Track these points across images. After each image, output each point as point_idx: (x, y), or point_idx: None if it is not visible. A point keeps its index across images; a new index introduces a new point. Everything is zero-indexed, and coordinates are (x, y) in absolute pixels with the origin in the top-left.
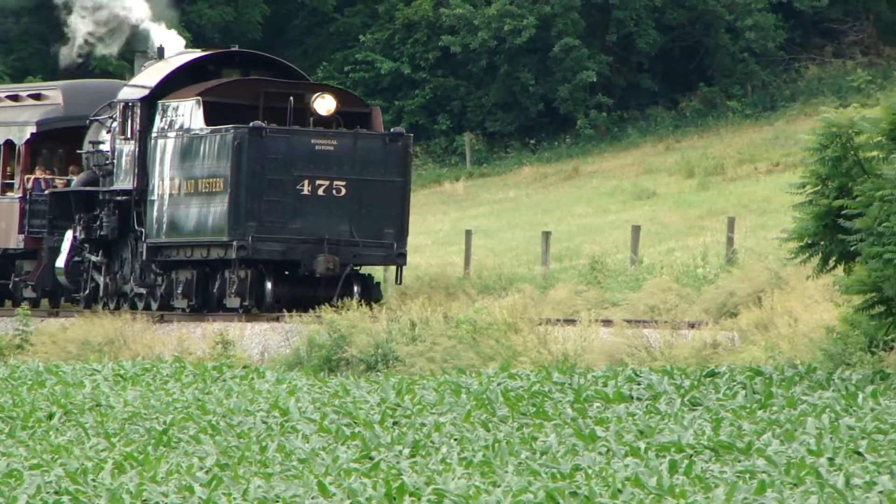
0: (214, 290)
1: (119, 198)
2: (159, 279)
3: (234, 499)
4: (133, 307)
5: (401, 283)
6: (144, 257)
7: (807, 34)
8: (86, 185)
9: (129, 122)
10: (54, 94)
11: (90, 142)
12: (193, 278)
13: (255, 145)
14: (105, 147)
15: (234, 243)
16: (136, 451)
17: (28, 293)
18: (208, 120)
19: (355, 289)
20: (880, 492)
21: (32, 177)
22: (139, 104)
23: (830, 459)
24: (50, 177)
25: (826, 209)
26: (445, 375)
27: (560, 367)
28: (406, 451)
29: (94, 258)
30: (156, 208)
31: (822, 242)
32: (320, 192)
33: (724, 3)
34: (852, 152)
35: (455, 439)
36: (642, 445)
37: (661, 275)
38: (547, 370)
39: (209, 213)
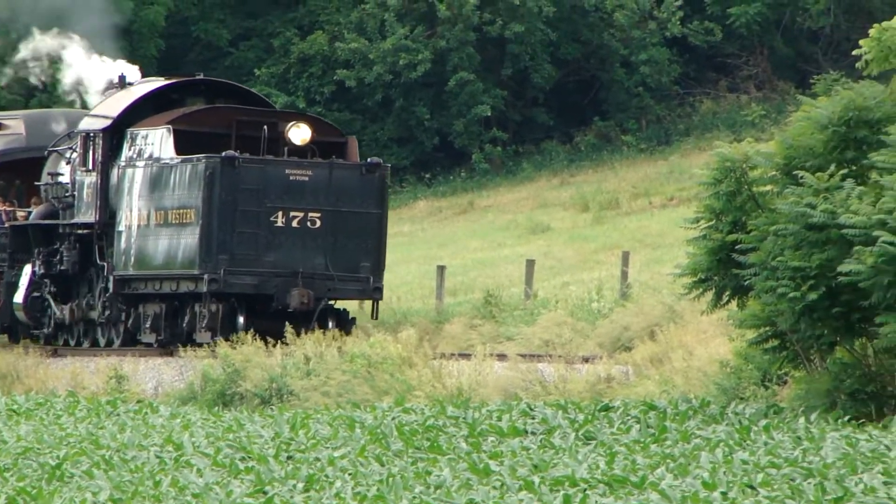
0: (184, 325)
1: (80, 231)
2: (123, 314)
3: None
4: (95, 344)
5: (377, 318)
6: (111, 290)
7: (701, 69)
8: (45, 218)
9: (91, 152)
10: (16, 123)
11: (48, 173)
12: (162, 312)
13: (228, 175)
14: (65, 178)
15: (206, 276)
16: (29, 486)
17: None
18: (179, 149)
19: (330, 324)
20: None
21: None
22: (101, 134)
23: (724, 493)
24: (10, 209)
25: (720, 244)
26: (340, 410)
27: (454, 401)
28: (300, 486)
29: (51, 295)
30: (123, 240)
31: (715, 277)
32: (294, 223)
33: (618, 38)
34: (746, 187)
35: (349, 474)
36: (536, 480)
37: (556, 309)
38: (441, 404)
39: (179, 245)
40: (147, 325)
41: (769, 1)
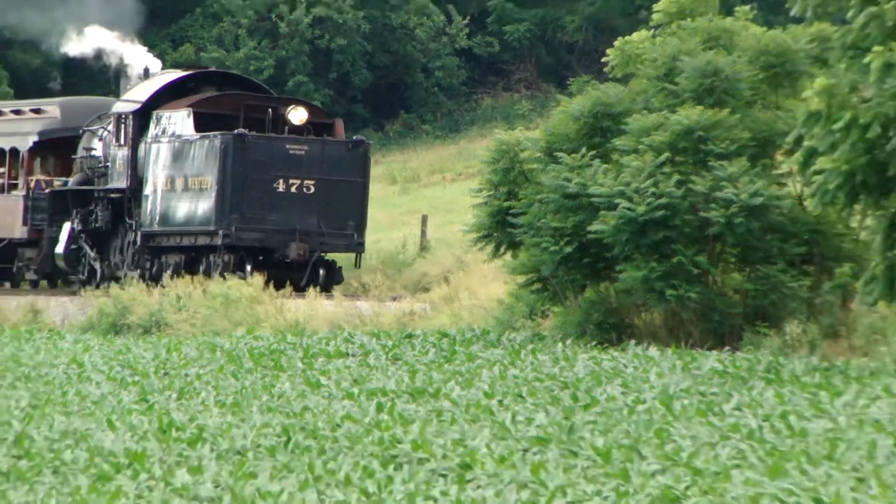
0: (200, 272)
1: (112, 195)
2: (149, 263)
3: (43, 431)
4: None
5: (360, 268)
6: (138, 244)
7: (483, 73)
8: (81, 185)
9: (123, 130)
10: (53, 108)
11: (83, 148)
12: (181, 261)
13: (239, 149)
14: (97, 153)
15: (220, 232)
16: None
17: (30, 276)
18: (197, 128)
19: (321, 272)
20: (538, 426)
21: (34, 178)
22: (131, 116)
23: (500, 401)
24: (49, 178)
25: (497, 208)
26: (204, 337)
27: (293, 330)
28: (174, 395)
29: (89, 250)
30: (149, 202)
31: (494, 234)
32: (293, 189)
33: (419, 49)
34: (518, 164)
35: (212, 386)
36: (356, 391)
37: (371, 260)
38: (283, 333)
39: (198, 207)
40: (168, 272)
41: (536, 20)
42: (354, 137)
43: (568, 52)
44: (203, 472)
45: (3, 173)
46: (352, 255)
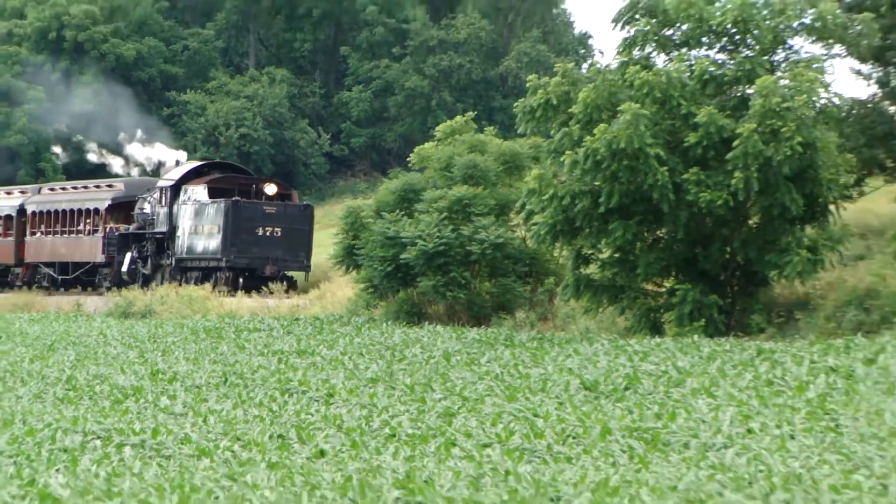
0: (211, 282)
1: (157, 236)
2: (179, 277)
3: (83, 375)
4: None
5: (295, 280)
6: (173, 265)
7: (339, 166)
8: (138, 230)
9: (164, 197)
10: (119, 184)
11: (139, 208)
12: (200, 276)
13: (235, 209)
14: (147, 210)
15: (224, 258)
16: (39, 354)
17: (106, 284)
18: (210, 196)
19: (284, 283)
20: (372, 371)
21: (109, 226)
22: (169, 188)
23: (350, 357)
24: (117, 226)
25: (348, 245)
26: (177, 320)
27: (228, 316)
28: (160, 354)
29: (142, 269)
30: (179, 241)
31: (346, 260)
32: (268, 233)
33: (301, 152)
34: (359, 219)
35: (182, 348)
36: (266, 351)
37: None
38: (223, 317)
39: (210, 243)
40: (191, 283)
41: (369, 135)
42: (303, 202)
43: (388, 154)
44: (176, 398)
45: (90, 222)
46: (302, 273)
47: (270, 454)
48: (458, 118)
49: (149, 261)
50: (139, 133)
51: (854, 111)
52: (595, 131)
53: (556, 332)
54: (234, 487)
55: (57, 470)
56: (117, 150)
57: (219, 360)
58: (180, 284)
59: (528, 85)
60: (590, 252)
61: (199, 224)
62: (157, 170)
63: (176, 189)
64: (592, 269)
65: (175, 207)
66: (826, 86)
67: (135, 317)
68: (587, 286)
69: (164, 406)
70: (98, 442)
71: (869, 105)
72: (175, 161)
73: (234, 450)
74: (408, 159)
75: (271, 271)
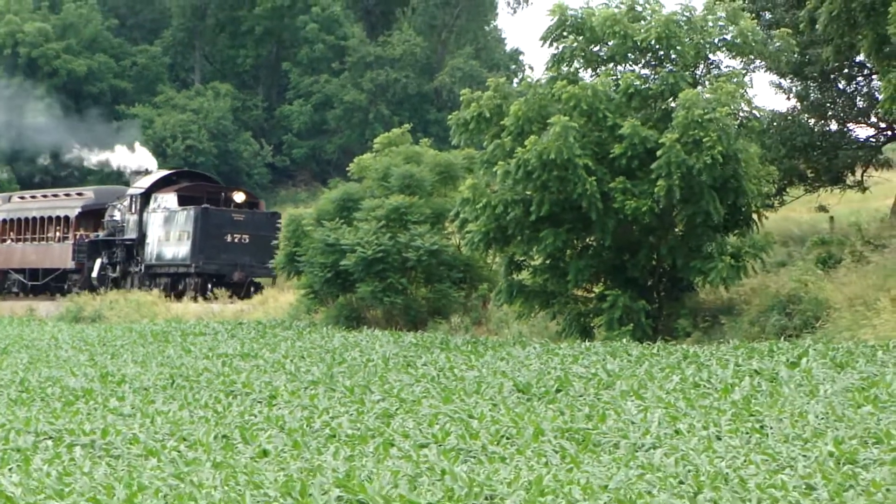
0: (180, 288)
1: (127, 243)
2: (148, 283)
3: (35, 377)
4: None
5: (263, 286)
6: (142, 272)
7: (280, 176)
8: (107, 237)
9: (134, 204)
10: (89, 192)
11: (109, 215)
12: (169, 282)
13: (204, 216)
14: (117, 218)
15: (193, 265)
16: None
17: (76, 289)
18: (179, 203)
19: (252, 288)
20: (313, 374)
21: (79, 233)
22: (139, 196)
23: (291, 360)
24: (87, 233)
25: (290, 252)
26: (125, 324)
27: (175, 320)
28: (109, 357)
29: (111, 273)
30: (149, 247)
31: (288, 266)
32: (236, 240)
33: (245, 163)
34: (300, 227)
35: (130, 351)
36: (211, 354)
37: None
38: (170, 322)
39: (180, 250)
40: (161, 290)
41: (310, 147)
42: (270, 210)
43: (328, 164)
44: (125, 400)
45: (61, 229)
46: (270, 279)
47: (215, 454)
48: (395, 130)
49: (118, 267)
50: (93, 147)
51: (775, 123)
52: (526, 143)
53: (490, 336)
54: (181, 486)
55: (10, 469)
56: (71, 163)
57: (166, 363)
58: (150, 290)
59: (461, 99)
60: (522, 259)
61: (168, 231)
62: (121, 176)
63: (146, 197)
64: (524, 276)
65: (145, 215)
66: (748, 100)
67: (85, 321)
68: (519, 292)
69: (113, 407)
70: (50, 442)
71: (789, 118)
72: (145, 169)
73: (181, 450)
74: (347, 170)
75: (239, 277)
